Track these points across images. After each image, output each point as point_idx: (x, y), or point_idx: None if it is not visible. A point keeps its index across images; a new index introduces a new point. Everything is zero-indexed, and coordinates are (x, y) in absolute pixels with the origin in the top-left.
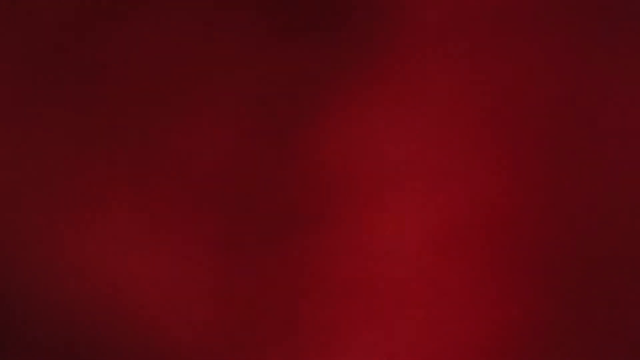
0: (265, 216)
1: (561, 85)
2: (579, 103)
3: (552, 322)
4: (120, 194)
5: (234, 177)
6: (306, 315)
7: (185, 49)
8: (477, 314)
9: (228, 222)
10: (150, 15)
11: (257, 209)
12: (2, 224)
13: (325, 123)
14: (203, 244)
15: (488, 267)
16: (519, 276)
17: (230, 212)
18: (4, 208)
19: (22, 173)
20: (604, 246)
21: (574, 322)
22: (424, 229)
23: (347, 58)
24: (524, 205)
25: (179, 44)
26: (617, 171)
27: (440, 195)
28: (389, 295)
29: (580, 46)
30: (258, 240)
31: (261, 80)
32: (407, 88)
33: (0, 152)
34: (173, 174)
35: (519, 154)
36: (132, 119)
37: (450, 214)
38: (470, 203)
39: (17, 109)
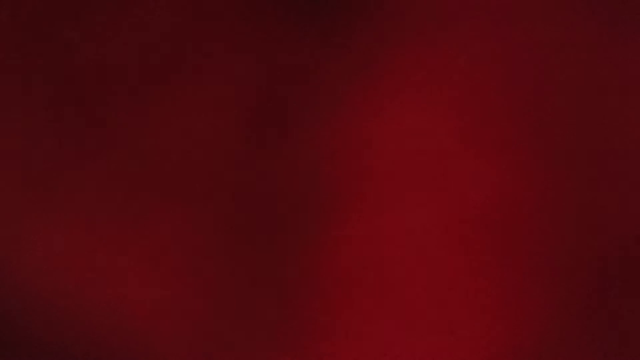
0: (266, 212)
1: (564, 81)
2: (581, 100)
3: (557, 320)
4: (116, 194)
5: (234, 172)
6: (307, 311)
7: (184, 43)
8: (482, 309)
9: (228, 219)
10: (151, 11)
11: (258, 205)
12: (4, 235)
13: (329, 119)
14: (202, 241)
15: (492, 262)
16: (523, 269)
17: (230, 208)
18: (7, 220)
19: (9, 174)
20: (609, 244)
21: (579, 319)
22: (429, 224)
23: (351, 55)
24: (529, 200)
25: (179, 35)
26: (621, 169)
27: (445, 191)
28: (391, 291)
29: (580, 44)
30: (258, 237)
31: (264, 77)
32: (411, 84)
33: (3, 158)
34: (171, 171)
35: (524, 150)
36: (127, 115)
37: (454, 210)
38: (474, 199)
39: (21, 113)
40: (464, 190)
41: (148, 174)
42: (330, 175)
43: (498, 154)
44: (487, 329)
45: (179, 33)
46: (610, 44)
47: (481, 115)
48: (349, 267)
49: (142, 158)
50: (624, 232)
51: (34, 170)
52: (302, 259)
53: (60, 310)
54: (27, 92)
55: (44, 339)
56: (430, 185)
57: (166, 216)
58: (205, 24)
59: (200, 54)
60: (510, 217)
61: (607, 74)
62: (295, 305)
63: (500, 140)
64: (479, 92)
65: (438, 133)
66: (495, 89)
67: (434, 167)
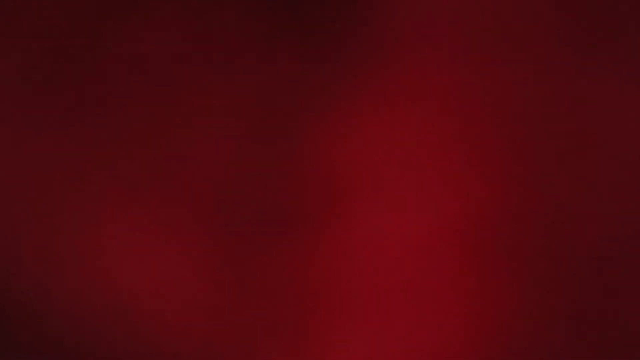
0: (264, 217)
1: (553, 89)
2: (574, 105)
3: (543, 322)
4: (123, 196)
5: (235, 178)
6: (303, 312)
7: (186, 55)
8: (471, 312)
9: (230, 223)
10: (151, 21)
11: (257, 211)
12: (9, 227)
13: (324, 127)
14: (205, 243)
15: (482, 266)
16: (513, 276)
17: (231, 213)
18: (11, 211)
19: (28, 177)
20: (595, 246)
21: (569, 320)
22: (420, 228)
23: (346, 63)
24: (517, 206)
25: (180, 52)
26: (607, 172)
27: (436, 196)
28: (384, 293)
29: (572, 53)
30: (258, 241)
31: (261, 85)
32: (404, 92)
33: (7, 156)
34: (175, 177)
35: (513, 156)
36: (137, 124)
37: (445, 215)
38: (465, 204)
39: (22, 110)
40: (456, 195)
41: (156, 178)
42: (329, 181)
43: (490, 160)
44: (477, 328)
45: (181, 43)
46: (603, 56)
47: (473, 122)
48: (346, 269)
49: (148, 163)
50: (610, 233)
51: (49, 174)
52: (303, 262)
53: (68, 308)
54: (48, 98)
55: (50, 335)
56: (422, 190)
57: (175, 218)
58: (206, 32)
59: (201, 60)
60: (501, 221)
61: (600, 82)
62: (297, 305)
63: (492, 147)
64: (471, 100)
65: (431, 140)
66: (487, 96)
67: (427, 173)
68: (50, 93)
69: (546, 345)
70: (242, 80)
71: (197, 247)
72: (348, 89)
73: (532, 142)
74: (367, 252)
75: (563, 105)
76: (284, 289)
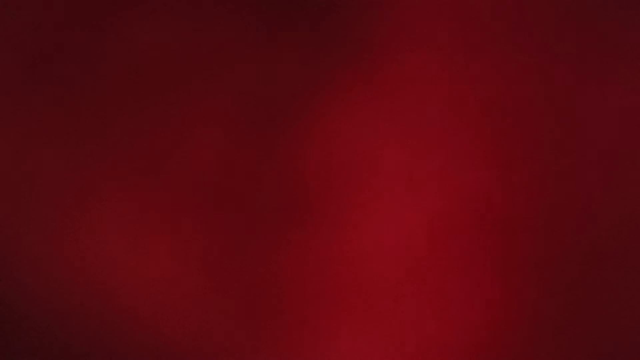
0: (254, 214)
1: (552, 85)
2: (571, 103)
3: (545, 321)
4: (114, 193)
5: (224, 175)
6: (296, 312)
7: (176, 49)
8: (467, 313)
9: (219, 220)
10: (143, 16)
11: (247, 207)
12: (2, 225)
13: (314, 123)
14: (195, 241)
15: (477, 266)
16: (510, 275)
17: (220, 209)
18: (5, 209)
19: (20, 171)
20: (598, 244)
21: (568, 319)
22: (411, 227)
23: (336, 59)
24: (513, 203)
25: (171, 44)
26: (609, 169)
27: (428, 194)
28: (376, 293)
29: (572, 49)
30: (248, 239)
31: (250, 81)
32: (395, 88)
33: (2, 154)
34: (165, 174)
35: (509, 153)
36: (126, 119)
37: (438, 213)
38: (458, 202)
39: (15, 107)
40: (449, 192)
41: (145, 174)
42: (319, 179)
43: (485, 157)
44: (474, 329)
45: (176, 40)
46: (603, 53)
47: (468, 118)
48: (338, 268)
49: (138, 159)
50: (616, 230)
51: (42, 168)
52: (295, 261)
53: (61, 307)
54: (42, 91)
55: (45, 335)
56: (414, 188)
57: (165, 215)
58: (196, 30)
59: (193, 55)
60: (496, 219)
61: (599, 78)
62: (290, 305)
63: (488, 143)
64: (466, 95)
65: (423, 137)
66: (483, 90)
67: (419, 170)
68: (45, 90)
69: (547, 342)
70: (231, 76)
71: (195, 244)
72: (339, 84)
73: (530, 139)
74: (365, 247)
75: (561, 103)
76: (282, 285)
